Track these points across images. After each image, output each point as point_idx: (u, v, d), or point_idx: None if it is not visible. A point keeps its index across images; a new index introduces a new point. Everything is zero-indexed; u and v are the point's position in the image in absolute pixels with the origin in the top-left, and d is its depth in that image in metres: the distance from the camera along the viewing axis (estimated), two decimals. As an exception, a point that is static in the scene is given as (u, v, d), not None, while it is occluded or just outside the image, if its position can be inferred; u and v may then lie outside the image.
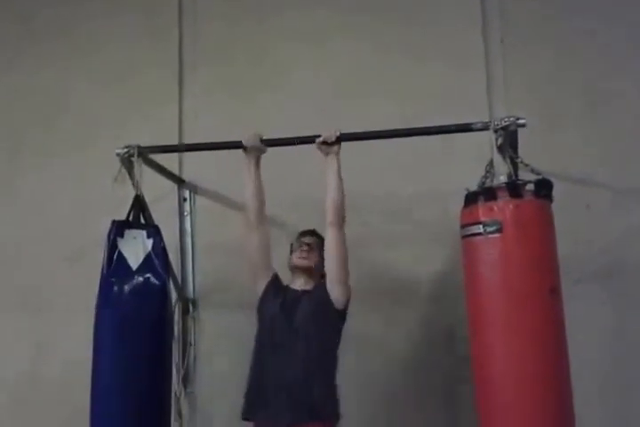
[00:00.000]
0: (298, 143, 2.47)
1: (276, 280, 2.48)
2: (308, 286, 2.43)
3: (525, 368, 2.04)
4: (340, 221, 2.37)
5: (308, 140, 2.44)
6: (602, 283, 2.77)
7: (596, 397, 2.68)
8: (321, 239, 2.46)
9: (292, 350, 2.29)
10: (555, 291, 2.12)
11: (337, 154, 2.40)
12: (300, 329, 2.31)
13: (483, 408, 2.14)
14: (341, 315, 2.38)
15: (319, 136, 2.41)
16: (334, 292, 2.35)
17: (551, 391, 2.04)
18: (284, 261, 2.50)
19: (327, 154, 2.41)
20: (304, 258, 2.44)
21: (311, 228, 2.53)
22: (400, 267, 2.90)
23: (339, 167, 2.39)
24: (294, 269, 2.47)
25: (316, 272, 2.45)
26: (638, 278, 2.78)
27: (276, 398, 2.26)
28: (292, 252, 2.51)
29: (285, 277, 2.50)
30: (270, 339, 2.35)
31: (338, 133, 2.39)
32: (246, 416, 2.33)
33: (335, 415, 2.30)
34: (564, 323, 2.14)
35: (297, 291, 2.43)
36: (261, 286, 2.46)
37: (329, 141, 2.39)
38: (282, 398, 2.25)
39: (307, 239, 2.49)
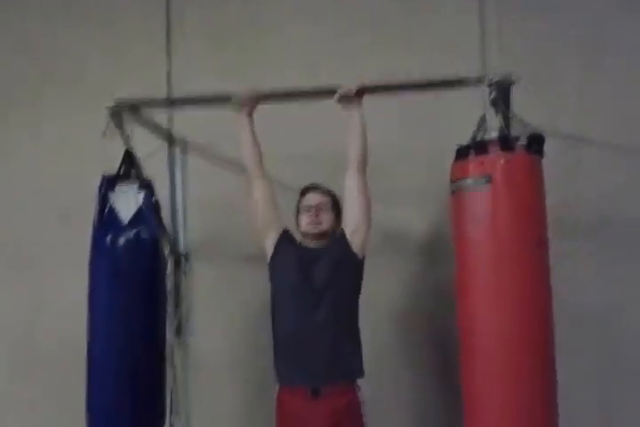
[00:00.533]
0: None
1: (286, 235, 2.38)
2: (325, 243, 2.35)
3: (510, 320, 2.08)
4: (365, 167, 2.33)
5: (325, 92, 2.38)
6: (589, 237, 2.82)
7: (581, 347, 2.74)
8: (329, 195, 2.40)
9: (317, 311, 2.23)
10: (542, 244, 2.15)
11: (358, 106, 2.35)
12: (323, 289, 2.25)
13: (465, 358, 2.19)
14: (362, 264, 2.33)
15: (336, 89, 2.35)
16: (357, 241, 2.30)
17: (534, 342, 2.09)
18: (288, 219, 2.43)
19: (348, 107, 2.36)
20: (316, 224, 2.34)
21: (309, 184, 2.44)
22: (392, 221, 2.92)
23: (361, 117, 2.34)
24: (306, 235, 2.37)
25: (332, 232, 2.37)
26: (624, 233, 2.83)
27: (309, 361, 2.22)
28: (298, 213, 2.40)
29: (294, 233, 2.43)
30: (292, 301, 2.28)
31: (357, 87, 2.33)
32: (284, 383, 2.29)
33: (362, 372, 2.29)
34: (549, 276, 2.17)
35: (313, 249, 2.35)
36: (271, 242, 2.36)
37: (349, 95, 2.34)
38: (314, 361, 2.21)
39: (313, 200, 2.37)
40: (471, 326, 2.16)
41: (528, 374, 2.08)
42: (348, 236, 2.31)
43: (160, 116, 2.94)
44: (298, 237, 2.42)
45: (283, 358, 2.30)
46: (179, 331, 3.01)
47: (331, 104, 2.39)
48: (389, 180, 2.90)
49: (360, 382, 2.28)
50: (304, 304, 2.25)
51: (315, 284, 2.27)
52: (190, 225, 3.09)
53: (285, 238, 2.38)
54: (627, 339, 2.81)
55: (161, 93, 3.09)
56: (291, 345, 2.27)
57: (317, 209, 2.35)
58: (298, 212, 2.41)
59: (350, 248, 2.30)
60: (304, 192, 2.43)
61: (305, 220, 2.36)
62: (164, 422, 2.61)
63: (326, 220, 2.36)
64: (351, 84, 2.34)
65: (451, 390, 2.34)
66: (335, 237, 2.35)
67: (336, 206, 2.40)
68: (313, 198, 2.39)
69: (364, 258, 2.34)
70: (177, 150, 3.11)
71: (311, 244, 2.37)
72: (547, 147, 2.22)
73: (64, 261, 3.08)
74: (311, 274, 2.28)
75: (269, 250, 2.37)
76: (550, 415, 2.13)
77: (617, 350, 2.81)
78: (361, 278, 2.34)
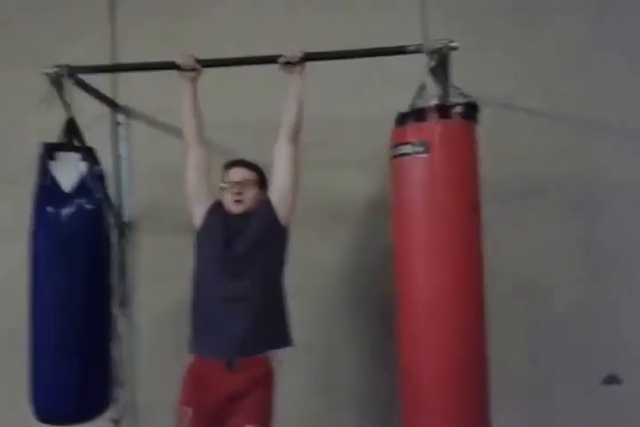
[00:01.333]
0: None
1: (216, 206, 2.37)
2: (250, 212, 2.33)
3: (443, 282, 2.16)
4: (298, 137, 2.34)
5: (270, 59, 2.38)
6: (520, 202, 2.94)
7: (510, 307, 2.88)
8: (254, 170, 2.38)
9: (241, 279, 2.22)
10: (475, 209, 2.23)
11: (301, 73, 2.36)
12: (246, 259, 2.24)
13: (402, 320, 2.27)
14: (286, 233, 2.35)
15: (279, 56, 2.35)
16: (282, 209, 2.31)
17: (465, 303, 2.18)
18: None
19: (290, 73, 2.37)
20: (239, 202, 2.32)
21: (235, 159, 2.42)
22: (335, 188, 2.98)
23: (302, 85, 2.35)
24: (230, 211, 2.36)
25: (257, 205, 2.35)
26: (553, 198, 2.96)
27: (227, 332, 2.20)
28: (222, 184, 2.36)
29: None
30: (214, 271, 2.26)
31: (301, 54, 2.34)
32: (198, 353, 2.28)
33: (290, 342, 2.31)
34: (481, 239, 2.25)
35: (238, 218, 2.32)
36: (200, 211, 2.36)
37: (292, 61, 2.35)
38: (232, 333, 2.19)
39: (237, 176, 2.35)
40: (408, 288, 2.23)
41: (462, 331, 2.17)
42: (273, 204, 2.32)
43: (104, 84, 2.91)
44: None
45: (201, 329, 2.27)
46: (123, 302, 3.01)
47: (265, 71, 2.42)
48: (332, 147, 2.95)
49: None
50: (226, 274, 2.24)
51: (238, 253, 2.26)
52: (135, 194, 3.07)
53: (214, 209, 2.37)
54: (550, 295, 2.96)
55: (105, 61, 3.04)
56: (210, 316, 2.25)
57: (242, 185, 2.33)
58: (222, 183, 2.38)
59: (276, 216, 2.31)
60: (228, 167, 2.40)
61: (228, 198, 2.35)
62: (110, 395, 2.61)
63: (249, 197, 2.34)
64: (295, 51, 2.36)
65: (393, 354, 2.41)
66: (261, 206, 2.34)
67: (261, 181, 2.40)
68: (237, 174, 2.36)
69: (288, 227, 2.35)
70: (121, 118, 3.08)
71: (237, 211, 2.35)
72: (482, 114, 2.29)
73: (4, 230, 3.02)
74: (235, 243, 2.28)
75: (197, 220, 2.37)
76: (482, 370, 2.23)
77: (544, 308, 2.96)
78: (285, 247, 2.35)
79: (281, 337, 2.29)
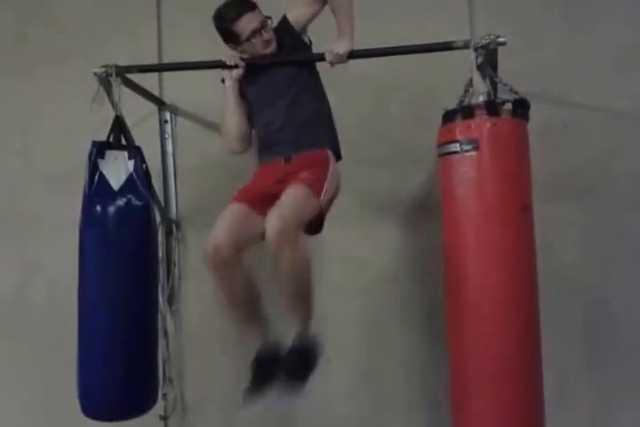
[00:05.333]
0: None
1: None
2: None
3: (495, 283, 2.11)
4: None
5: (316, 58, 2.38)
6: (574, 202, 2.84)
7: (565, 313, 2.80)
8: (252, 9, 2.30)
9: (282, 101, 2.32)
10: (527, 209, 2.18)
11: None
12: (286, 83, 2.32)
13: (451, 322, 2.25)
14: (308, 43, 2.41)
15: (322, 54, 2.34)
16: (299, 17, 2.34)
17: (519, 307, 2.13)
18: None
19: None
20: (265, 46, 2.34)
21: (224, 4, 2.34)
22: (382, 186, 2.95)
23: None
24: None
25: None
26: (610, 198, 2.84)
27: (283, 141, 2.31)
28: (235, 42, 2.33)
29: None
30: (262, 105, 2.37)
31: (344, 53, 2.31)
32: (258, 163, 2.41)
33: (338, 152, 2.37)
34: (534, 240, 2.20)
35: (265, 58, 2.36)
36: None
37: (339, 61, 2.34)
38: (287, 140, 2.30)
39: (247, 26, 2.28)
40: (458, 290, 2.20)
41: (514, 332, 2.12)
42: (291, 21, 2.36)
43: (151, 82, 2.94)
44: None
45: (262, 146, 2.40)
46: (171, 299, 3.04)
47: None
48: (378, 144, 2.92)
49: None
50: (273, 101, 2.34)
51: (278, 82, 2.35)
52: (182, 192, 3.10)
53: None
54: (608, 298, 2.85)
55: (152, 59, 3.07)
56: (267, 135, 2.37)
57: (257, 33, 2.31)
58: (235, 41, 2.34)
59: (295, 32, 2.36)
60: (230, 20, 2.30)
61: (251, 49, 2.35)
62: (157, 392, 2.62)
63: (270, 34, 2.33)
64: (340, 49, 2.32)
65: (442, 348, 2.37)
66: (279, 31, 2.36)
67: (261, 12, 2.34)
68: (246, 23, 2.30)
69: (305, 34, 2.40)
70: (168, 116, 3.10)
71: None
72: (532, 111, 2.23)
73: (53, 226, 3.09)
74: (273, 77, 2.36)
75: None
76: (535, 371, 2.19)
77: (600, 310, 2.86)
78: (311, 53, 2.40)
79: (333, 143, 2.37)
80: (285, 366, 2.18)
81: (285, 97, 2.33)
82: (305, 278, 2.10)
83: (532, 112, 2.24)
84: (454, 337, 2.24)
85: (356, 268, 2.95)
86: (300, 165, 2.27)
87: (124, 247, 2.47)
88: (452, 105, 2.27)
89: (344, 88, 2.78)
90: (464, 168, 2.16)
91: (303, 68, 2.39)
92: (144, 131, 2.86)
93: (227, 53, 2.43)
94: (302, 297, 2.14)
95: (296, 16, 2.37)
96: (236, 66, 2.41)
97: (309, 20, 2.38)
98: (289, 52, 2.38)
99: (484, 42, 2.25)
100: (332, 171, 2.28)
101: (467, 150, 2.15)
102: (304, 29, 2.41)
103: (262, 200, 2.22)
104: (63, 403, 2.74)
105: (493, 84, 2.28)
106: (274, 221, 2.02)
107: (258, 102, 2.41)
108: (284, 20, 2.37)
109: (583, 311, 2.85)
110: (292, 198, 2.12)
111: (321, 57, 2.35)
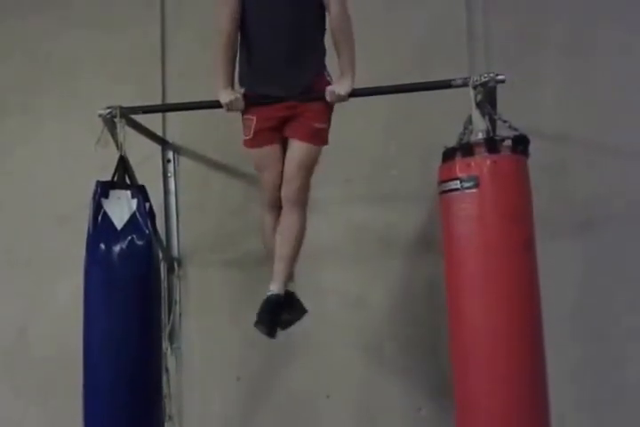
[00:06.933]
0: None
1: None
2: None
3: (499, 321, 2.10)
4: None
5: (316, 97, 2.39)
6: (575, 239, 2.84)
7: (568, 347, 2.76)
8: None
9: (280, 30, 2.31)
10: (529, 245, 2.17)
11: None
12: (284, 12, 2.30)
13: (457, 359, 2.21)
14: None
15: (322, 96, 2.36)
16: None
17: (523, 343, 2.11)
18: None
19: None
20: None
21: None
22: (382, 223, 2.95)
23: None
24: None
25: None
26: (610, 235, 2.84)
27: (278, 75, 2.33)
28: None
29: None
30: (258, 32, 2.35)
31: (345, 93, 2.34)
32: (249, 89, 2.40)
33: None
34: (537, 277, 2.19)
35: None
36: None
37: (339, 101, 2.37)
38: (284, 75, 2.33)
39: None
40: (459, 327, 2.19)
41: (517, 370, 2.10)
42: None
43: (154, 121, 2.96)
44: None
45: (258, 76, 2.39)
46: (171, 337, 3.03)
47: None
48: (379, 182, 2.94)
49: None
50: (269, 31, 2.33)
51: (278, 13, 2.32)
52: (183, 230, 3.12)
53: None
54: (613, 334, 2.83)
55: (155, 99, 3.11)
56: (266, 66, 2.37)
57: None
58: None
59: None
60: None
61: None
62: (161, 428, 2.60)
63: None
64: (341, 91, 2.34)
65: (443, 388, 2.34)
66: None
67: None
68: None
69: None
70: (171, 155, 3.14)
71: None
72: (532, 147, 2.24)
73: (59, 265, 3.10)
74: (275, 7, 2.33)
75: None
76: (540, 409, 2.15)
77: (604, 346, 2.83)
78: None
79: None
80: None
81: (290, 28, 2.32)
82: (300, 234, 2.38)
83: (532, 148, 2.25)
84: (457, 371, 2.21)
85: (354, 303, 2.94)
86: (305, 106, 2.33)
87: (127, 286, 2.47)
88: (452, 142, 2.29)
89: (344, 126, 2.80)
90: (465, 205, 2.16)
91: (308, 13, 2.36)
92: (147, 169, 2.87)
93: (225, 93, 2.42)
94: (294, 249, 2.38)
95: None
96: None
97: None
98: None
99: (482, 80, 2.28)
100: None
101: (467, 187, 2.16)
102: None
103: (279, 128, 2.37)
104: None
105: (492, 122, 2.30)
106: (290, 191, 2.33)
107: (259, 34, 2.38)
108: None
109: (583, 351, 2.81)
110: (304, 164, 2.34)
111: (322, 97, 2.37)
